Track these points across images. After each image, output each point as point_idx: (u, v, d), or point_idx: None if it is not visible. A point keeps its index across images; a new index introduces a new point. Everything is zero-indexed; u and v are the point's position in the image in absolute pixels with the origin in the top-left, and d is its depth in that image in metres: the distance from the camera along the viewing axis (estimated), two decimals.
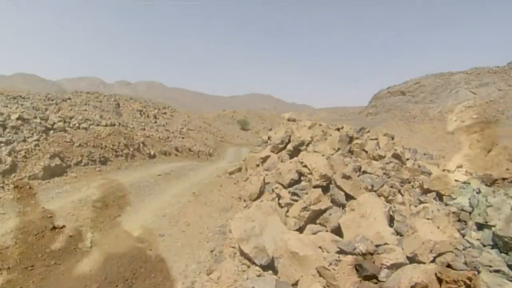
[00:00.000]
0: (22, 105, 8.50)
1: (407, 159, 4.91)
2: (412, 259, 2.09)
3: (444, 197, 3.41)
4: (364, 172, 3.41)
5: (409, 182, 3.74)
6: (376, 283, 1.86)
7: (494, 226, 2.62)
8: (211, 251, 2.93)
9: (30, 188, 5.04)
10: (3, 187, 4.74)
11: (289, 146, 4.60)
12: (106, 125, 9.29)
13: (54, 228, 3.46)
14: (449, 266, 2.01)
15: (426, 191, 3.47)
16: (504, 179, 6.14)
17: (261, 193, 3.60)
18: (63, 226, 3.56)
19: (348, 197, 2.93)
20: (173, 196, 5.05)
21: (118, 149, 8.55)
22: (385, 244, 2.22)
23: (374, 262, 2.01)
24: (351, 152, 4.29)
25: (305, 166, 3.24)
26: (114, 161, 7.95)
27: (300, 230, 2.71)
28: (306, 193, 2.99)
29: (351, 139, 4.46)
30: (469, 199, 3.29)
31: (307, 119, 7.20)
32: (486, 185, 4.72)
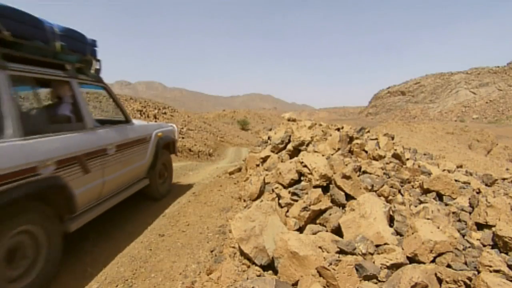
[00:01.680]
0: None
1: (407, 159, 4.91)
2: (412, 259, 2.09)
3: (444, 197, 3.41)
4: (364, 172, 3.41)
5: (409, 182, 3.75)
6: (376, 283, 1.86)
7: (494, 226, 2.62)
8: (211, 251, 2.94)
9: None
10: None
11: (289, 146, 4.60)
12: None
13: None
14: (449, 266, 2.01)
15: (426, 191, 3.47)
16: (504, 179, 6.15)
17: (261, 193, 3.59)
18: None
19: (348, 197, 2.93)
20: (173, 196, 5.05)
21: None
22: (385, 244, 2.22)
23: (374, 262, 2.01)
24: (351, 152, 4.28)
25: (305, 166, 3.24)
26: None
27: (300, 230, 2.70)
28: (306, 193, 2.98)
29: (351, 139, 4.46)
30: (469, 199, 3.29)
31: (307, 119, 7.19)
32: (486, 185, 4.72)
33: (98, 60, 3.28)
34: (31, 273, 2.19)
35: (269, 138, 6.12)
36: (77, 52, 2.94)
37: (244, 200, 3.86)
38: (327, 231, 2.62)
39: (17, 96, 2.16)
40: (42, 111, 2.72)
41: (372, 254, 2.13)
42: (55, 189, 2.32)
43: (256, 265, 2.28)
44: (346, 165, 3.35)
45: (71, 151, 2.50)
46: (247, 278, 2.04)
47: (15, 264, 2.08)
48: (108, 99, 18.30)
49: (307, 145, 4.42)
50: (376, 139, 5.28)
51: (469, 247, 2.34)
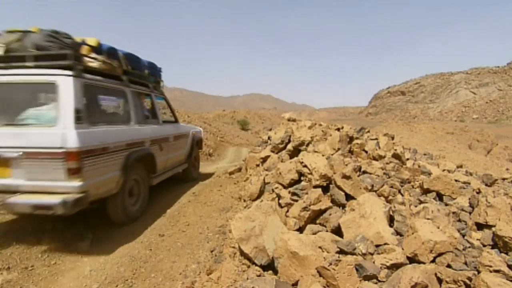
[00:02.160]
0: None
1: (407, 159, 4.91)
2: (412, 259, 2.09)
3: (444, 197, 3.41)
4: (364, 172, 3.41)
5: (409, 182, 3.74)
6: (376, 283, 1.86)
7: (494, 226, 2.62)
8: (211, 251, 2.94)
9: None
10: None
11: (289, 146, 4.60)
12: None
13: (54, 228, 3.46)
14: (449, 266, 2.01)
15: (426, 191, 3.47)
16: (504, 179, 6.15)
17: (261, 193, 3.59)
18: (63, 226, 3.56)
19: (348, 197, 2.93)
20: (173, 196, 5.05)
21: None
22: (385, 244, 2.22)
23: (374, 262, 2.01)
24: (351, 152, 4.28)
25: (305, 166, 3.24)
26: None
27: (300, 230, 2.70)
28: (306, 193, 2.98)
29: (351, 139, 4.46)
30: (469, 199, 3.29)
31: (307, 119, 7.20)
32: (486, 185, 4.72)
33: (162, 81, 5.07)
34: (137, 204, 3.82)
35: (269, 138, 6.12)
36: (153, 76, 4.68)
37: (244, 200, 3.86)
38: (327, 231, 2.62)
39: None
40: (141, 111, 4.12)
41: (372, 254, 2.13)
42: (149, 156, 3.89)
43: (256, 265, 2.28)
44: (346, 165, 3.35)
45: (155, 136, 4.10)
46: (247, 278, 2.04)
47: (131, 197, 3.68)
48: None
49: (307, 145, 4.42)
50: (376, 139, 5.27)
51: (469, 247, 2.34)
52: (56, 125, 2.61)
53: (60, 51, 2.82)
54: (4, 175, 2.64)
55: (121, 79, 3.63)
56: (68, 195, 2.59)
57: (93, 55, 3.17)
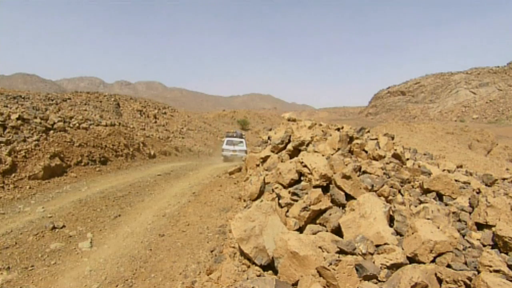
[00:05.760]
0: (22, 105, 8.51)
1: (407, 159, 4.91)
2: (412, 259, 2.09)
3: (444, 197, 3.41)
4: (364, 172, 3.40)
5: (409, 182, 3.74)
6: (376, 283, 1.86)
7: (494, 226, 2.62)
8: (211, 251, 2.94)
9: (30, 188, 5.05)
10: (3, 187, 4.74)
11: (289, 146, 4.60)
12: (106, 125, 9.30)
13: (54, 228, 3.47)
14: (449, 266, 2.01)
15: (426, 191, 3.47)
16: (504, 179, 6.15)
17: (261, 193, 3.59)
18: (63, 226, 3.57)
19: (348, 197, 2.93)
20: (173, 196, 5.06)
21: (118, 149, 8.56)
22: (385, 244, 2.22)
23: (374, 262, 2.01)
24: (351, 152, 4.28)
25: (305, 166, 3.24)
26: (114, 161, 7.96)
27: (300, 230, 2.70)
28: (306, 193, 2.98)
29: (351, 139, 4.45)
30: (469, 199, 3.29)
31: (307, 119, 7.21)
32: (486, 185, 4.72)
33: (244, 137, 16.08)
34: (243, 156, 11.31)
35: (269, 138, 6.12)
36: (241, 135, 16.21)
37: (244, 200, 3.86)
38: (327, 231, 2.62)
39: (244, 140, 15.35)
40: (246, 144, 15.03)
41: (372, 254, 2.13)
42: (246, 152, 13.21)
43: (256, 265, 2.28)
44: (346, 165, 3.35)
45: (247, 149, 14.33)
46: (247, 278, 2.04)
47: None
48: (108, 99, 18.58)
49: (307, 145, 4.42)
50: (376, 139, 5.27)
51: (469, 247, 2.34)
52: (243, 146, 14.46)
53: (242, 134, 15.68)
54: (235, 152, 13.99)
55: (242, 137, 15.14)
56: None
57: (244, 134, 16.42)
